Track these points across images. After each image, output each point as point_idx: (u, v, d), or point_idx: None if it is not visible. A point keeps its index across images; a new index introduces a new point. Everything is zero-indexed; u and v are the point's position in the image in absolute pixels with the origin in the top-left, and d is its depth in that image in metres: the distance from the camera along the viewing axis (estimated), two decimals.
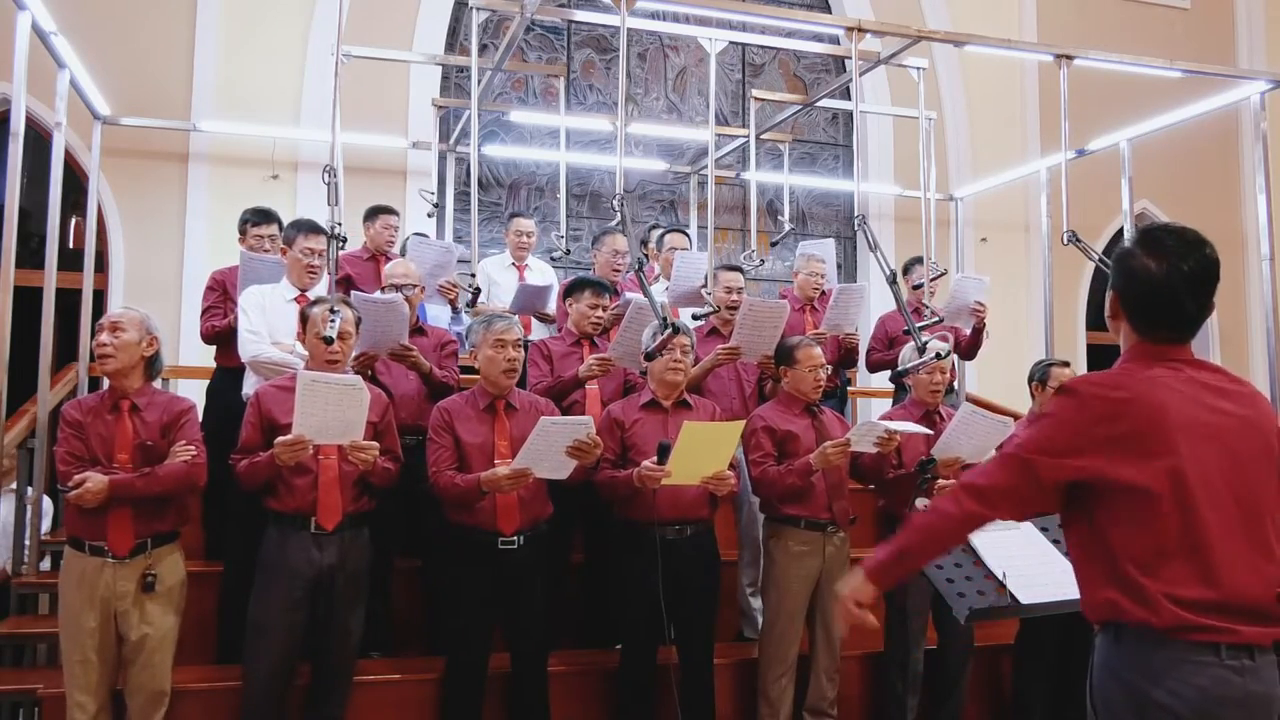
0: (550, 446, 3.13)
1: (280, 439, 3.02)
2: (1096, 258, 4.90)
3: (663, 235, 5.47)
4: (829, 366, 3.78)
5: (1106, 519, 1.81)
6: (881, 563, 1.98)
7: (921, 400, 3.95)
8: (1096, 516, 1.83)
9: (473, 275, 4.40)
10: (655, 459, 3.28)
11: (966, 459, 3.66)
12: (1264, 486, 1.81)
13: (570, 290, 4.20)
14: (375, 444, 3.15)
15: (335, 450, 3.17)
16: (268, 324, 3.70)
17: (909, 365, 3.93)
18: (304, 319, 3.33)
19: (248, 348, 3.66)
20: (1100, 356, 7.94)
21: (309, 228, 3.87)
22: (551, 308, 4.94)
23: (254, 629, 3.15)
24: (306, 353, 3.56)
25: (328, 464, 3.18)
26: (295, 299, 3.80)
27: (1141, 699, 1.74)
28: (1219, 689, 1.70)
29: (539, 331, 5.11)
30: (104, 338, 3.08)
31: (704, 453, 3.28)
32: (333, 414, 2.99)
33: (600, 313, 4.09)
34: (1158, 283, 1.83)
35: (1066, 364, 4.16)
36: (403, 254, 4.70)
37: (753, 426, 3.67)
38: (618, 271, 4.80)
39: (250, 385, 3.71)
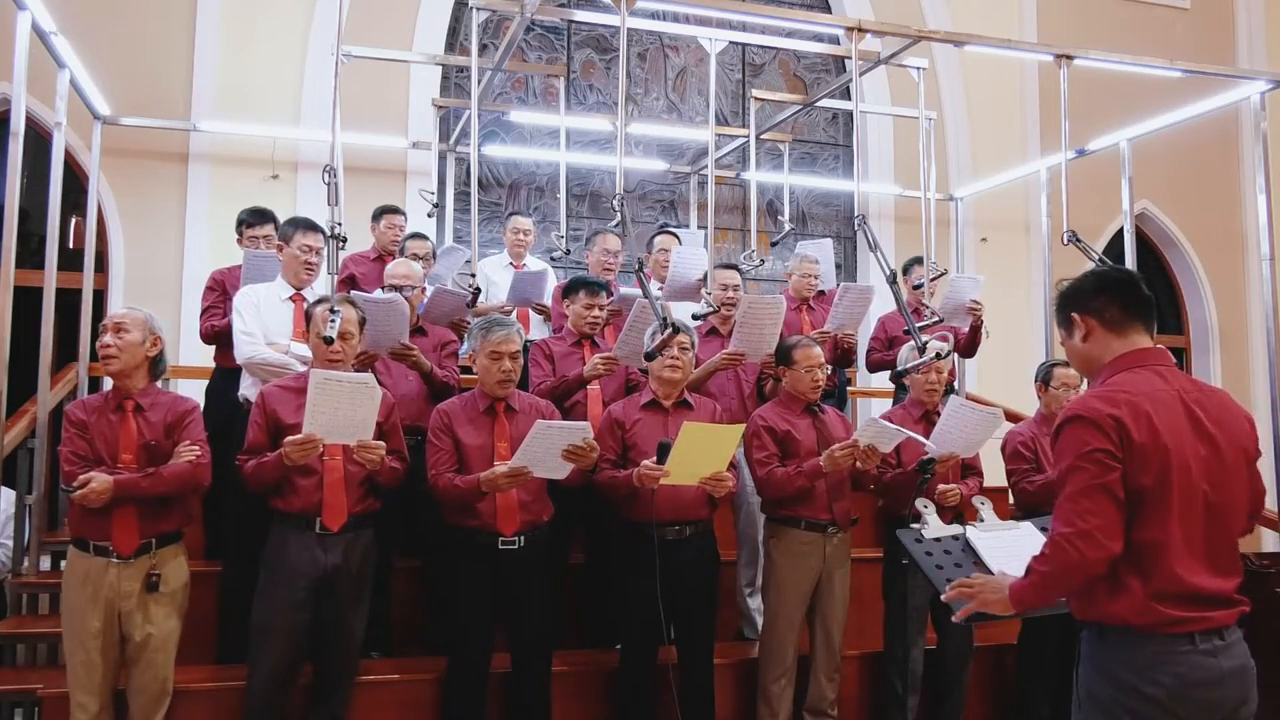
0: (547, 449, 3.13)
1: (290, 438, 3.00)
2: (1097, 258, 4.89)
3: (651, 238, 5.47)
4: (828, 366, 3.78)
5: None
6: (1023, 591, 2.03)
7: (919, 400, 3.96)
8: None
9: (472, 275, 4.41)
10: (655, 459, 3.28)
11: (961, 454, 3.66)
12: (1234, 493, 1.98)
13: (567, 291, 4.22)
14: (382, 444, 3.14)
15: (341, 451, 3.16)
16: (262, 324, 3.69)
17: (908, 365, 3.94)
18: (309, 318, 3.33)
19: (242, 349, 3.65)
20: None
21: (306, 225, 3.87)
22: (547, 298, 4.95)
23: (257, 629, 3.15)
24: (302, 352, 3.56)
25: (333, 464, 3.17)
26: (291, 298, 3.80)
27: (1123, 689, 1.90)
28: (1196, 673, 1.87)
29: (537, 329, 5.11)
30: (108, 338, 3.07)
31: (703, 453, 3.28)
32: (343, 413, 2.99)
33: (597, 312, 4.10)
34: (1098, 278, 2.16)
35: (1068, 364, 4.16)
36: (402, 253, 4.70)
37: (754, 427, 3.67)
38: (609, 271, 4.82)
39: (246, 386, 3.71)
